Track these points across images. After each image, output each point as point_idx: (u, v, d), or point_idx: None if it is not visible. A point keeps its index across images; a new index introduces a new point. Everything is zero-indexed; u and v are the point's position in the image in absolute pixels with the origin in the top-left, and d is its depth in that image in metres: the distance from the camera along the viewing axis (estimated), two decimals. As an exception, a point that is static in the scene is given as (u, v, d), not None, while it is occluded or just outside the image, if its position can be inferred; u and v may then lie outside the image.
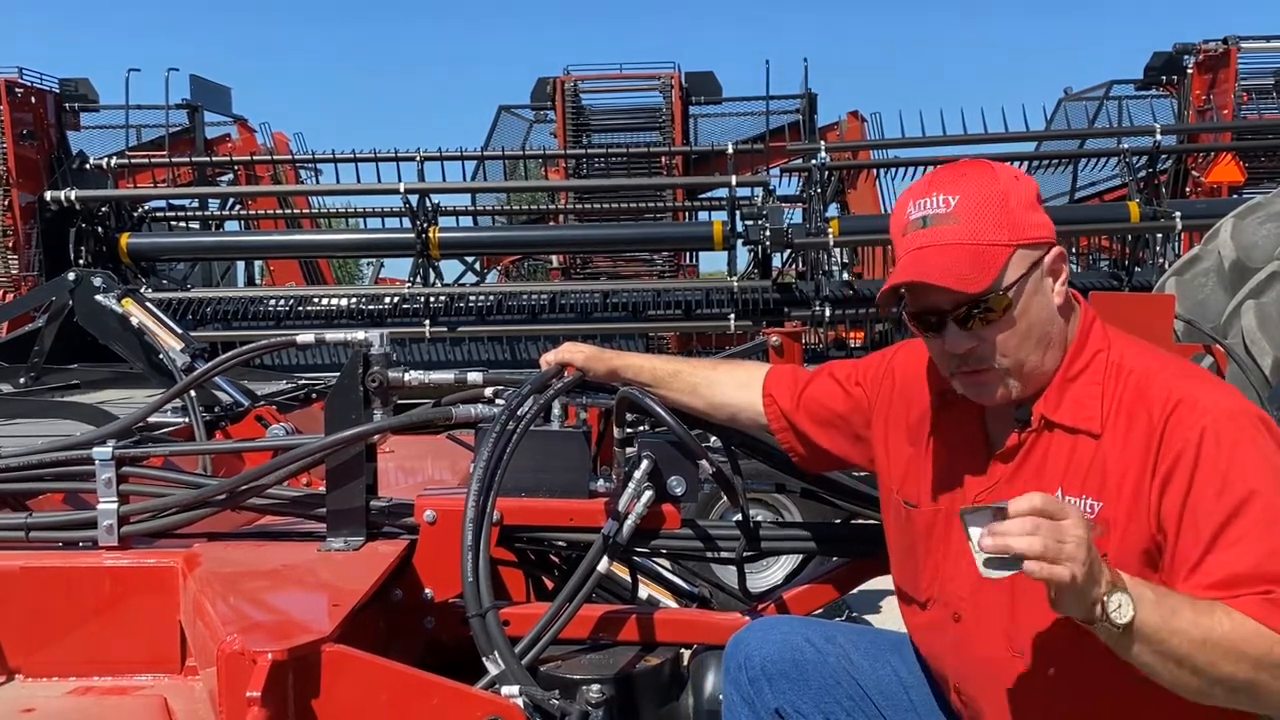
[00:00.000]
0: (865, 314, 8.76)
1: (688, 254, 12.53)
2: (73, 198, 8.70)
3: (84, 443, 2.30)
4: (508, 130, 13.66)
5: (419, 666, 1.72)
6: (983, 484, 1.72)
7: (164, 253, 9.65)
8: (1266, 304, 4.20)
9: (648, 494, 2.09)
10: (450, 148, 9.96)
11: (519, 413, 2.04)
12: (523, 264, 15.08)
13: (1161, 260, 8.36)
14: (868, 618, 4.49)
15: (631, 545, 2.12)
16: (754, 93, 13.09)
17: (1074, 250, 10.48)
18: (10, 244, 11.99)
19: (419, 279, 8.90)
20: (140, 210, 9.76)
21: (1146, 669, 1.46)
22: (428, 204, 8.91)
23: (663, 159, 11.84)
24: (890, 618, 2.15)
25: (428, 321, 8.53)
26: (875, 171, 11.17)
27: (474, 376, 2.34)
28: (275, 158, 12.40)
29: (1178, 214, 8.34)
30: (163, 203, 11.05)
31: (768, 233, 8.29)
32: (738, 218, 8.79)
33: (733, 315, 8.49)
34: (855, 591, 2.45)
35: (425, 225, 8.77)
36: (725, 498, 2.21)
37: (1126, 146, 9.51)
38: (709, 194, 10.35)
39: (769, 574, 4.45)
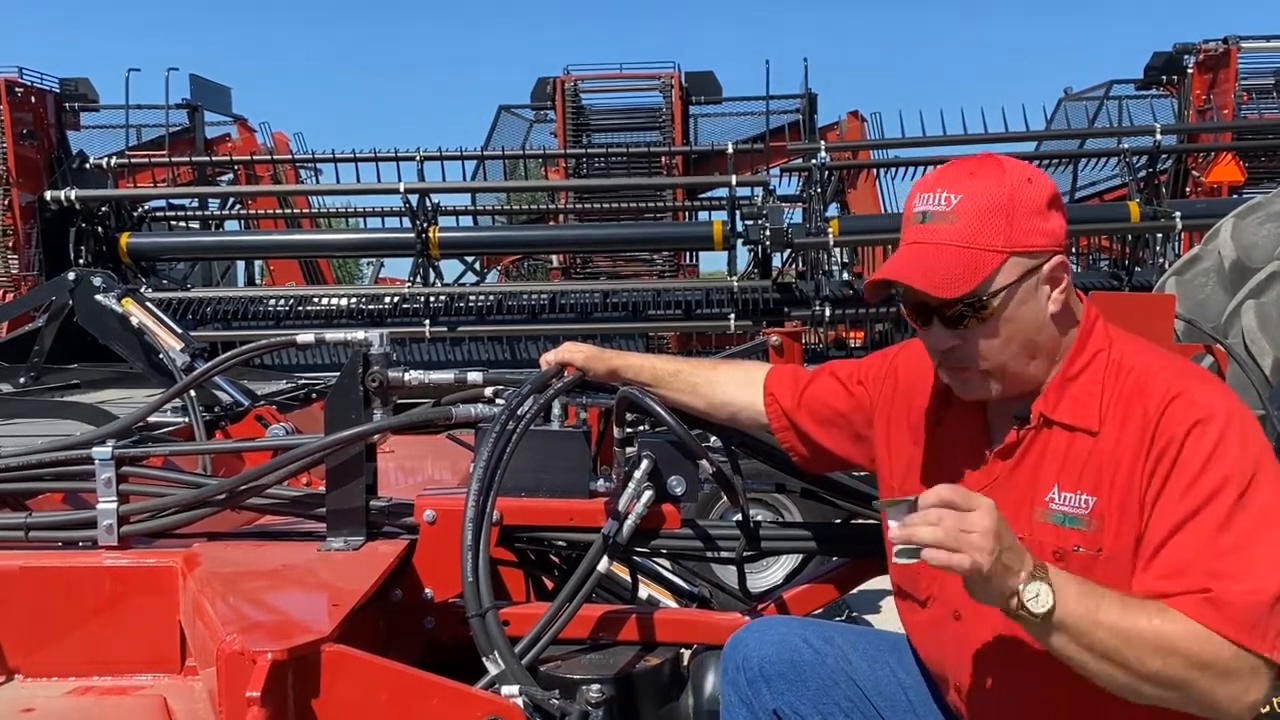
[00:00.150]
0: (865, 314, 8.75)
1: (688, 254, 12.54)
2: (73, 197, 8.70)
3: (84, 442, 2.30)
4: (508, 130, 13.67)
5: (419, 666, 1.72)
6: (982, 480, 1.73)
7: (164, 252, 9.64)
8: (1267, 304, 4.20)
9: (648, 494, 2.09)
10: (450, 147, 9.97)
11: (519, 412, 2.04)
12: (523, 264, 15.08)
13: (1161, 260, 8.36)
14: (868, 618, 4.49)
15: (631, 545, 2.12)
16: (754, 93, 13.11)
17: (1074, 250, 10.47)
18: (10, 244, 12.00)
19: (419, 279, 8.90)
20: (140, 210, 9.77)
21: (1073, 664, 1.49)
22: (428, 204, 8.91)
23: (663, 159, 11.84)
24: (890, 618, 2.15)
25: (428, 321, 8.53)
26: (875, 171, 11.17)
27: (474, 376, 2.33)
28: (275, 157, 12.40)
29: (1178, 214, 8.34)
30: (163, 202, 11.06)
31: (768, 233, 8.29)
32: (738, 218, 8.80)
33: (733, 315, 8.49)
34: (855, 591, 2.45)
35: (425, 225, 8.77)
36: (725, 497, 2.21)
37: (1126, 146, 9.51)
38: (709, 194, 10.35)
39: (769, 574, 4.45)
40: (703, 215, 9.93)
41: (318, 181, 13.10)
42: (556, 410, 2.14)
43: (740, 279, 8.80)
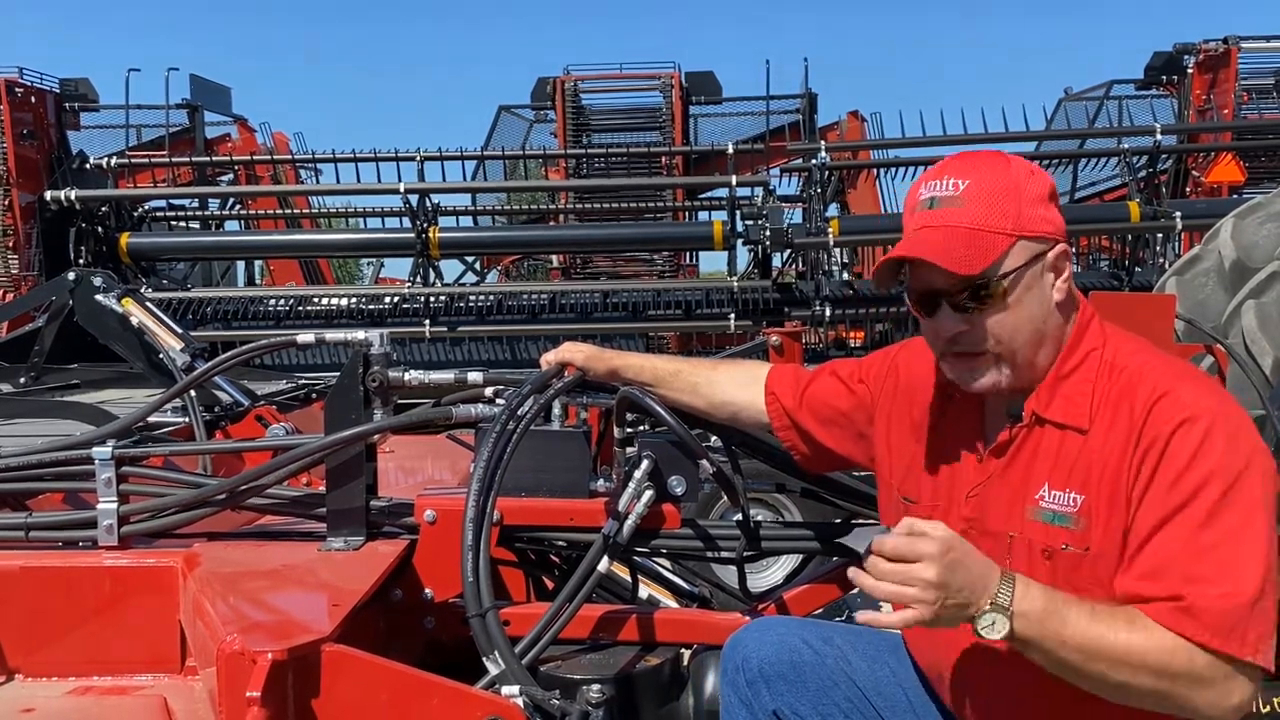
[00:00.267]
0: (865, 314, 8.76)
1: (688, 254, 12.54)
2: (73, 197, 8.70)
3: (84, 442, 2.30)
4: (508, 130, 13.67)
5: (419, 666, 1.72)
6: (977, 478, 1.74)
7: (164, 252, 9.64)
8: (1267, 304, 4.19)
9: (648, 494, 2.09)
10: (450, 147, 9.97)
11: (519, 412, 2.04)
12: (523, 264, 15.08)
13: (1162, 260, 8.36)
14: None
15: (632, 545, 2.12)
16: (754, 93, 13.11)
17: (1074, 250, 10.47)
18: (10, 244, 11.99)
19: (419, 279, 8.90)
20: (140, 210, 9.76)
21: (1056, 673, 1.52)
22: (428, 204, 8.91)
23: (663, 159, 11.84)
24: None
25: (428, 321, 8.53)
26: (875, 171, 11.17)
27: (474, 376, 2.33)
28: (275, 158, 12.39)
29: (1178, 214, 8.34)
30: (163, 202, 11.05)
31: (768, 233, 8.28)
32: (738, 218, 8.79)
33: (733, 315, 8.48)
34: (855, 591, 2.44)
35: (425, 225, 8.77)
36: (725, 497, 2.21)
37: (1127, 146, 9.50)
38: (709, 194, 10.35)
39: (769, 574, 4.45)
40: (703, 215, 9.93)
41: (318, 181, 13.10)
42: (557, 410, 2.14)
43: (740, 279, 8.80)
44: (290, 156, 12.76)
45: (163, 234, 9.80)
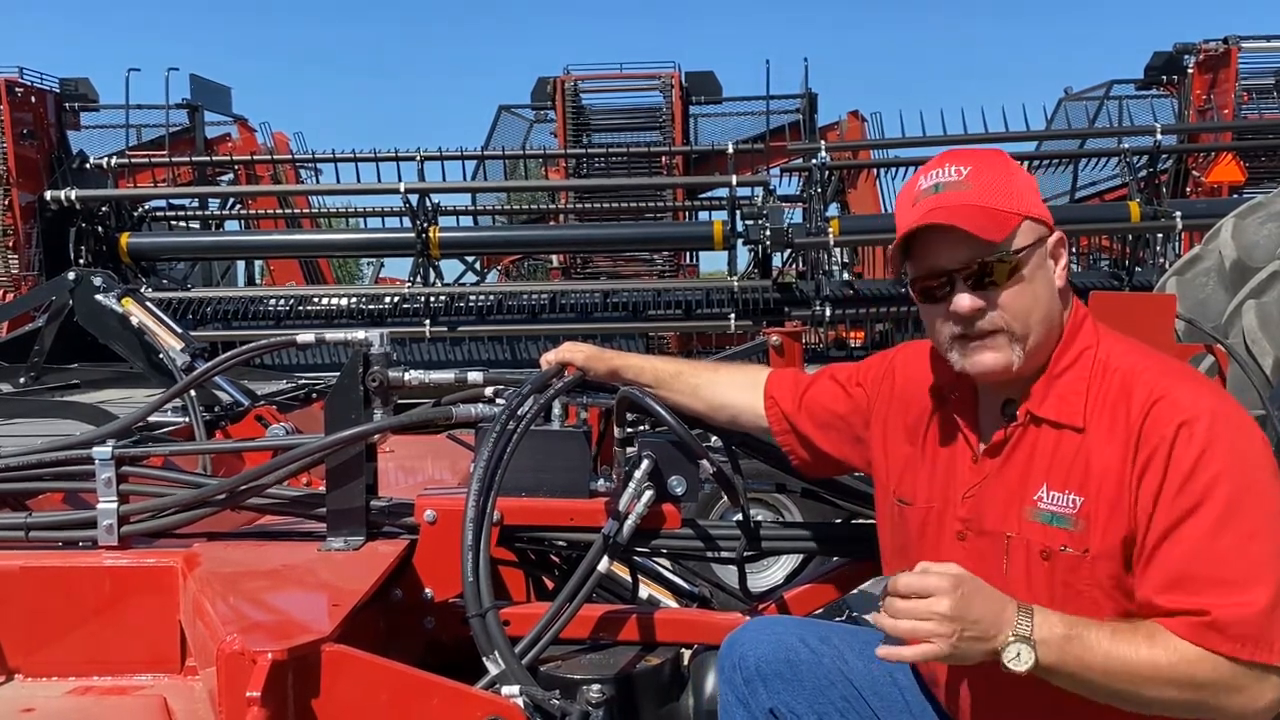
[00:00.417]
0: (865, 314, 8.76)
1: (688, 254, 12.53)
2: (73, 197, 8.70)
3: (84, 442, 2.30)
4: (508, 130, 13.67)
5: (419, 666, 1.72)
6: (972, 479, 1.74)
7: (164, 252, 9.64)
8: (1267, 304, 4.19)
9: (648, 494, 2.09)
10: (450, 147, 9.97)
11: (519, 412, 2.04)
12: (523, 264, 15.08)
13: (1162, 260, 8.36)
14: (868, 618, 4.48)
15: (632, 545, 2.12)
16: (754, 92, 13.11)
17: (1074, 250, 10.47)
18: (10, 243, 11.99)
19: (419, 279, 8.90)
20: (140, 210, 9.77)
21: (1085, 695, 1.53)
22: (428, 204, 8.91)
23: (663, 159, 11.84)
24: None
25: (428, 321, 8.53)
26: (875, 171, 11.18)
27: (474, 376, 2.33)
28: (275, 157, 12.40)
29: (1178, 214, 8.34)
30: (163, 202, 11.06)
31: (768, 232, 8.29)
32: (738, 217, 8.79)
33: (733, 315, 8.49)
34: (855, 591, 2.44)
35: (425, 225, 8.77)
36: (726, 497, 2.21)
37: (1127, 146, 9.51)
38: (709, 194, 10.35)
39: (769, 574, 4.45)
40: (703, 215, 9.94)
41: (318, 181, 13.09)
42: (557, 410, 2.14)
43: (740, 279, 8.80)
44: (290, 156, 12.78)
45: (163, 234, 9.80)
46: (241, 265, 12.07)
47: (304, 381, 4.63)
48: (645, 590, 2.48)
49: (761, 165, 10.87)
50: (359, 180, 10.29)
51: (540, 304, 8.84)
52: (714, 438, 2.29)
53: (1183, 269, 4.78)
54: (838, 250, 9.39)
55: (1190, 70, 12.56)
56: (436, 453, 3.47)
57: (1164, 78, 13.20)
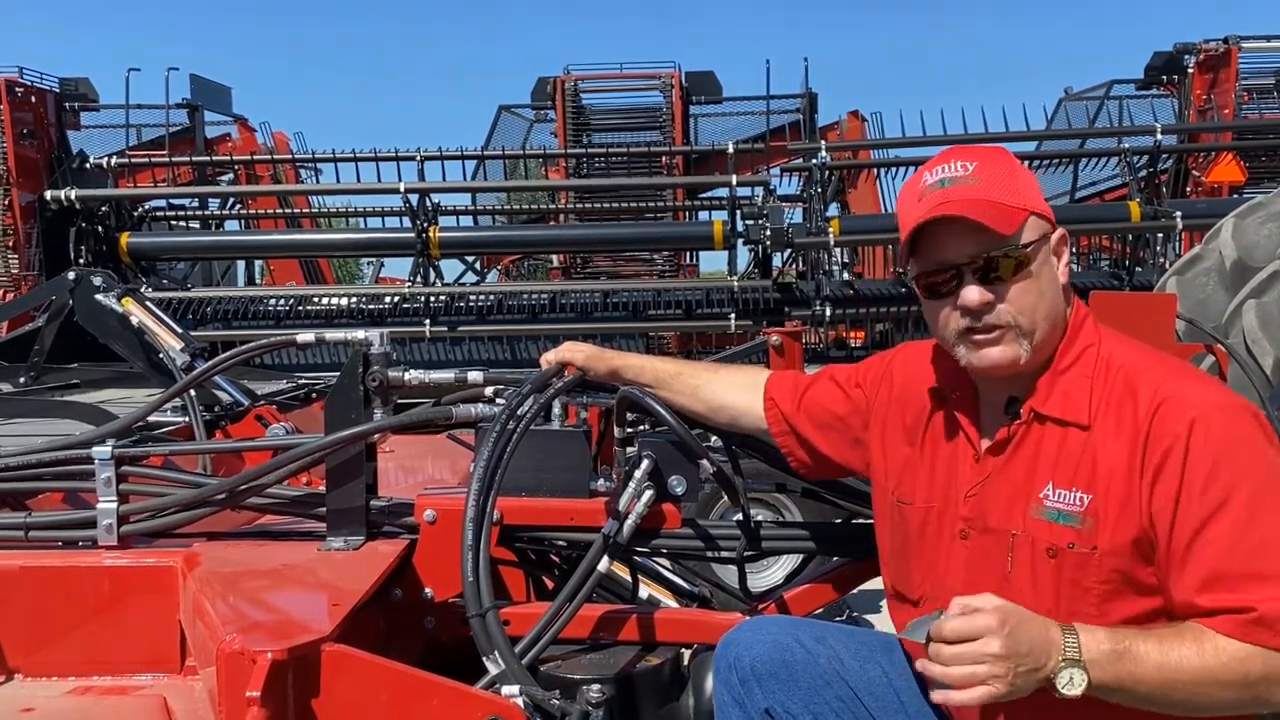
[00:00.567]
0: (865, 314, 8.76)
1: (688, 254, 12.52)
2: (73, 197, 8.70)
3: (83, 442, 2.30)
4: (508, 130, 13.66)
5: (419, 666, 1.72)
6: (974, 477, 1.74)
7: (164, 252, 9.64)
8: (1268, 303, 4.19)
9: (648, 493, 2.09)
10: (450, 147, 9.97)
11: (519, 412, 2.03)
12: (523, 263, 15.07)
13: (1162, 260, 8.37)
14: (868, 617, 4.49)
15: (632, 545, 2.12)
16: (754, 92, 13.10)
17: (1075, 250, 10.47)
18: (10, 243, 11.99)
19: (419, 278, 8.90)
20: (140, 210, 9.77)
21: (1140, 708, 1.51)
22: (428, 203, 8.91)
23: (663, 159, 11.83)
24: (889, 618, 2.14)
25: (428, 321, 8.53)
26: (876, 171, 11.17)
27: (474, 376, 2.33)
28: (275, 157, 12.39)
29: (1178, 214, 8.34)
30: (163, 202, 11.06)
31: (768, 232, 8.29)
32: (738, 217, 8.79)
33: (733, 315, 8.48)
34: (855, 591, 2.45)
35: (425, 225, 8.77)
36: (726, 497, 2.21)
37: (1127, 146, 9.51)
38: (709, 193, 10.35)
39: (769, 574, 4.45)
40: (703, 215, 9.93)
41: (318, 181, 13.09)
42: (557, 410, 2.14)
43: (740, 279, 8.80)
44: (290, 156, 12.77)
45: (163, 234, 9.80)
46: (241, 265, 12.06)
47: (304, 381, 4.63)
48: (645, 590, 2.47)
49: (761, 165, 10.87)
50: (359, 180, 10.29)
51: (540, 304, 8.84)
52: (714, 438, 2.29)
53: (1183, 269, 4.78)
54: (838, 250, 9.39)
55: (1190, 70, 12.56)
56: (436, 452, 3.47)
57: (1164, 78, 13.20)
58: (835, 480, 2.28)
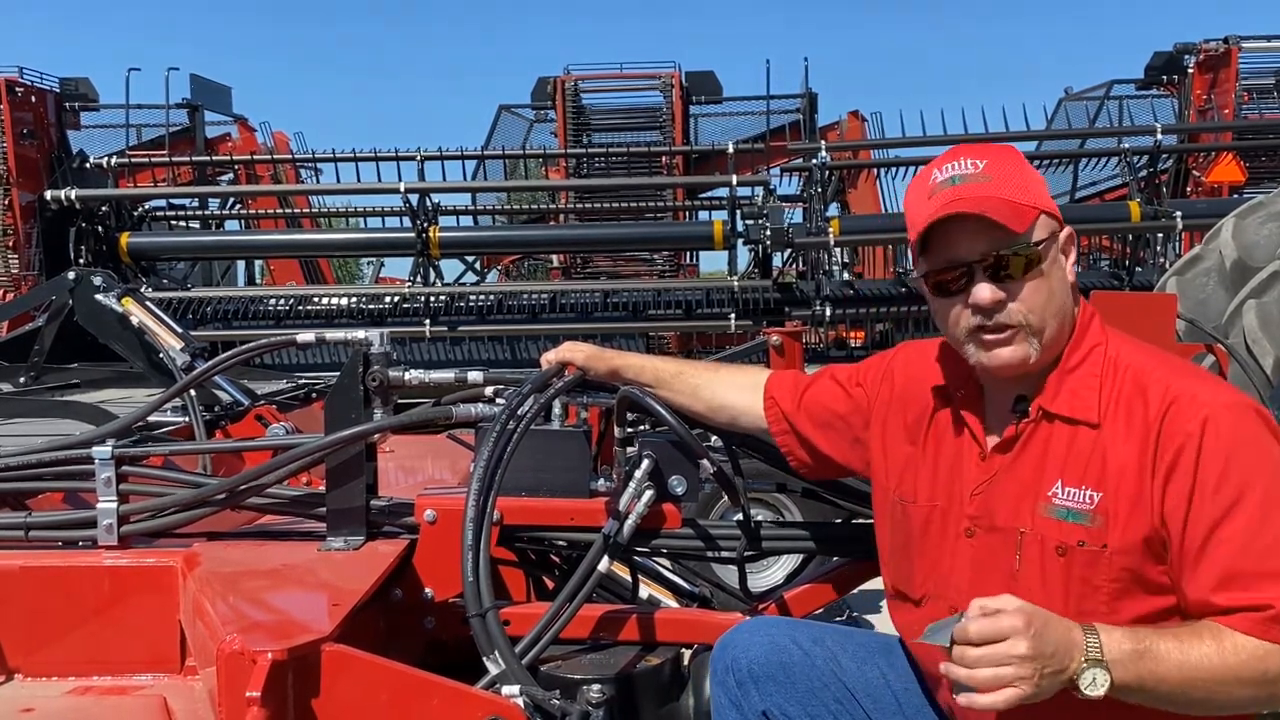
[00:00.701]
0: (865, 314, 8.76)
1: (688, 253, 12.53)
2: (73, 197, 8.71)
3: (84, 442, 2.29)
4: (508, 130, 13.66)
5: (419, 666, 1.72)
6: (981, 475, 1.73)
7: (164, 252, 9.65)
8: (1268, 303, 4.19)
9: (648, 493, 2.08)
10: (450, 147, 9.97)
11: (519, 412, 2.03)
12: (523, 263, 15.08)
13: (1162, 260, 8.37)
14: (868, 617, 4.49)
15: (632, 545, 2.12)
16: (754, 92, 13.10)
17: (1076, 250, 10.45)
18: (10, 243, 12.00)
19: (419, 278, 8.91)
20: (140, 209, 9.77)
21: (1160, 708, 1.51)
22: (428, 203, 8.91)
23: (663, 158, 11.84)
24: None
25: (428, 321, 8.53)
26: (876, 171, 11.18)
27: (474, 376, 2.33)
28: (275, 157, 12.40)
29: (1178, 214, 8.35)
30: (163, 202, 11.06)
31: (768, 232, 8.29)
32: (738, 217, 8.80)
33: (733, 315, 8.49)
34: (855, 591, 2.44)
35: (425, 225, 8.78)
36: (726, 497, 2.20)
37: (1127, 146, 9.52)
38: (709, 193, 10.36)
39: (769, 574, 4.45)
40: (703, 215, 9.94)
41: (318, 181, 13.10)
42: (557, 410, 2.14)
43: (741, 279, 8.80)
44: (290, 156, 12.78)
45: (163, 234, 9.81)
46: (241, 265, 12.07)
47: (304, 381, 4.63)
48: (645, 590, 2.47)
49: (762, 165, 10.87)
50: (359, 180, 10.31)
51: (540, 304, 8.84)
52: (714, 437, 2.29)
53: (1183, 269, 4.78)
54: (838, 250, 9.40)
55: (1190, 70, 12.57)
56: (436, 452, 3.47)
57: (1164, 78, 13.21)
58: (835, 480, 2.27)
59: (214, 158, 12.51)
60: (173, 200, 11.45)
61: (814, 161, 8.77)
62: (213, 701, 1.68)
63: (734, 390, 2.17)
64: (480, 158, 10.74)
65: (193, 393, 3.13)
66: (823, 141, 9.52)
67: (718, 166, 10.61)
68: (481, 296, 9.03)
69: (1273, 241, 4.45)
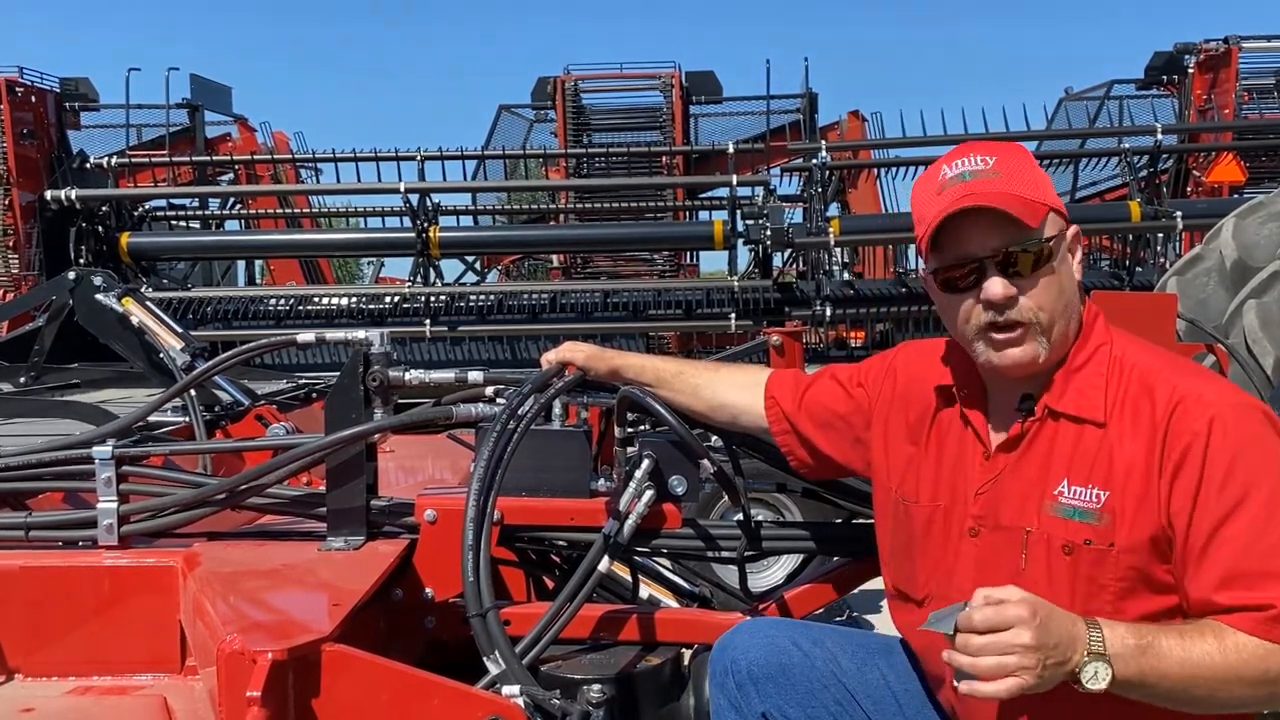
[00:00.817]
0: (865, 314, 8.76)
1: (688, 253, 12.53)
2: (73, 197, 8.70)
3: (84, 442, 2.29)
4: (508, 130, 13.66)
5: (419, 666, 1.72)
6: (986, 475, 1.73)
7: (164, 252, 9.64)
8: (1268, 303, 4.19)
9: (649, 493, 2.08)
10: (450, 147, 9.97)
11: (520, 412, 2.03)
12: (523, 263, 15.07)
13: (1162, 260, 8.37)
14: (868, 617, 4.49)
15: (632, 545, 2.12)
16: (754, 92, 13.11)
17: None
18: (10, 243, 12.00)
19: (419, 278, 8.90)
20: (140, 209, 9.77)
21: (1162, 705, 1.52)
22: (428, 203, 8.91)
23: (663, 158, 11.84)
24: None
25: (428, 321, 8.53)
26: (876, 171, 11.18)
27: (474, 376, 2.33)
28: (275, 157, 12.40)
29: (1179, 214, 8.35)
30: (163, 202, 11.06)
31: (768, 232, 8.30)
32: (738, 217, 8.80)
33: (733, 315, 8.48)
34: (855, 591, 2.44)
35: (425, 225, 8.77)
36: (726, 497, 2.20)
37: (1127, 146, 9.52)
38: (709, 193, 10.35)
39: (769, 574, 4.45)
40: (703, 215, 9.94)
41: (318, 181, 13.09)
42: (557, 410, 2.14)
43: (741, 279, 8.80)
44: (290, 156, 12.77)
45: (163, 234, 9.81)
46: (241, 265, 12.06)
47: (304, 381, 4.62)
48: (645, 590, 2.47)
49: (762, 165, 10.88)
50: (359, 180, 10.30)
51: (540, 304, 8.84)
52: (714, 437, 2.29)
53: (1183, 269, 4.78)
54: (838, 250, 9.40)
55: (1191, 70, 12.57)
56: (436, 452, 3.46)
57: (1164, 78, 13.21)
58: (835, 480, 2.27)
59: (214, 158, 12.51)
60: (173, 200, 11.45)
61: (814, 161, 8.77)
62: (213, 701, 1.68)
63: (734, 390, 2.17)
64: (480, 158, 10.74)
65: (193, 393, 3.13)
66: (823, 141, 9.52)
67: (718, 166, 10.61)
68: (482, 296, 9.03)
69: (1273, 241, 4.45)
